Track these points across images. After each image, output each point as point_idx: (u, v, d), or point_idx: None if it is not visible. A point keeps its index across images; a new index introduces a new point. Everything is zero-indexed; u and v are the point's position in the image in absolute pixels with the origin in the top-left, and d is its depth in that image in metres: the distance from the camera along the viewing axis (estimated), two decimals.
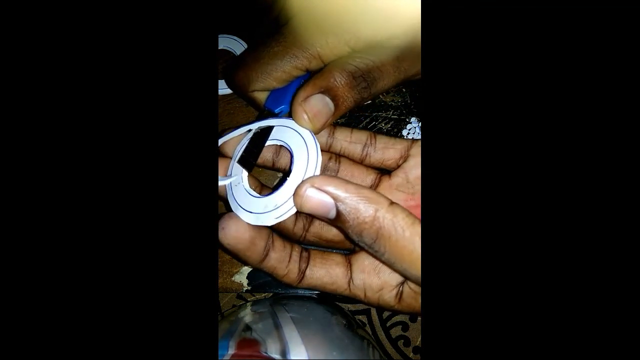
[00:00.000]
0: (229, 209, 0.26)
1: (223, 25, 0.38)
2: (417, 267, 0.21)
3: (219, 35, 0.38)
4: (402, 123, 0.36)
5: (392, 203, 0.21)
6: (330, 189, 0.21)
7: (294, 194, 0.22)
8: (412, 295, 0.26)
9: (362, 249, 0.25)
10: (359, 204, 0.21)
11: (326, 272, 0.26)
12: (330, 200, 0.21)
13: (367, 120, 0.36)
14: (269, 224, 0.24)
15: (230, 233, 0.24)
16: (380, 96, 0.37)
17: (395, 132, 0.36)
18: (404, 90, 0.37)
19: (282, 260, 0.25)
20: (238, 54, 0.38)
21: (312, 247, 0.28)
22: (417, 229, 0.21)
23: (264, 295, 0.37)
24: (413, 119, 0.36)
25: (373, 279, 0.26)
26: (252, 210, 0.24)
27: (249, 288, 0.34)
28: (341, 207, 0.21)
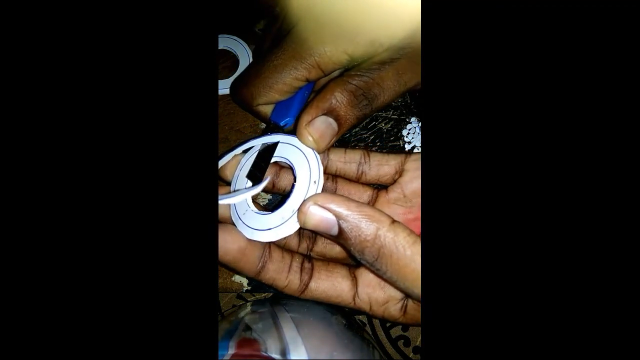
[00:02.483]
0: None
1: (223, 25, 0.38)
2: (418, 285, 0.21)
3: (219, 35, 0.38)
4: (402, 123, 0.36)
5: (393, 222, 0.22)
6: (333, 206, 0.22)
7: (297, 211, 0.23)
8: (416, 308, 0.26)
9: (364, 266, 0.25)
10: (360, 222, 0.21)
11: (331, 285, 0.26)
12: (332, 218, 0.22)
13: (367, 120, 0.36)
14: (294, 230, 0.24)
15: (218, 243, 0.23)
16: None
17: (395, 132, 0.36)
18: None
19: (280, 271, 0.25)
20: (238, 54, 0.38)
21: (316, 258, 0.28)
22: (419, 248, 0.21)
23: (264, 295, 0.37)
24: (413, 119, 0.36)
25: (378, 293, 0.26)
26: (270, 226, 0.24)
27: (249, 288, 0.34)
28: (343, 225, 0.22)
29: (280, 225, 0.24)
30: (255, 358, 0.27)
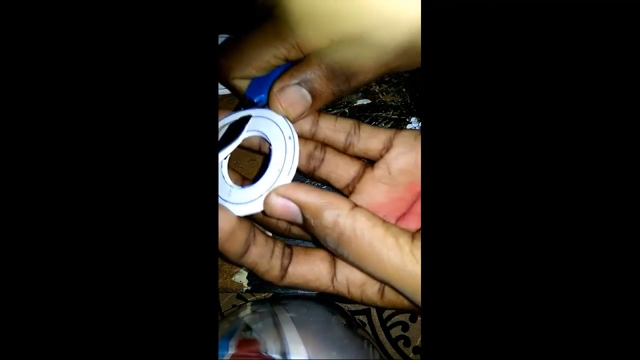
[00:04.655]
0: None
1: (223, 25, 0.38)
2: (379, 268, 0.21)
3: (219, 35, 0.38)
4: (402, 123, 0.36)
5: (354, 207, 0.22)
6: (294, 195, 0.22)
7: (264, 203, 0.23)
8: (394, 292, 0.25)
9: (332, 254, 0.25)
10: (321, 210, 0.22)
11: (309, 269, 0.26)
12: (295, 207, 0.22)
13: (367, 120, 0.36)
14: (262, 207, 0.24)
15: None
16: (381, 96, 0.37)
17: None
18: (404, 90, 0.37)
19: (263, 256, 0.25)
20: None
21: (296, 243, 0.28)
22: (377, 232, 0.21)
23: (264, 295, 0.37)
24: (413, 119, 0.36)
25: (356, 275, 0.25)
26: (261, 192, 0.24)
27: (249, 288, 0.34)
28: (305, 213, 0.22)
29: (272, 186, 0.24)
30: (255, 358, 0.27)
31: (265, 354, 0.27)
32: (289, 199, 0.22)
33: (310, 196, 0.22)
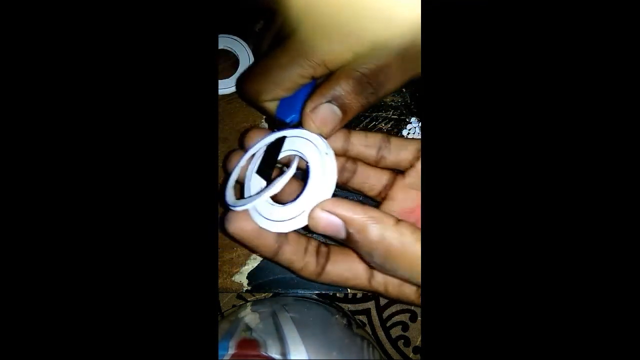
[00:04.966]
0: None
1: (223, 25, 0.38)
2: None
3: (219, 35, 0.38)
4: (402, 123, 0.36)
5: (398, 221, 0.22)
6: (339, 210, 0.23)
7: (308, 218, 0.23)
8: None
9: (375, 269, 0.26)
10: (366, 225, 0.22)
11: (347, 268, 0.27)
12: (339, 222, 0.23)
13: (367, 120, 0.36)
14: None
15: (234, 223, 0.24)
16: None
17: (395, 132, 0.36)
18: (404, 90, 0.37)
19: (297, 253, 0.26)
20: (238, 54, 0.38)
21: (333, 243, 0.28)
22: None
23: (264, 295, 0.37)
24: (413, 119, 0.36)
25: None
26: (296, 213, 0.24)
27: (249, 288, 0.34)
28: (350, 229, 0.22)
29: (313, 201, 0.24)
30: (255, 358, 0.27)
31: (265, 354, 0.27)
32: (333, 213, 0.23)
33: (355, 211, 0.22)
